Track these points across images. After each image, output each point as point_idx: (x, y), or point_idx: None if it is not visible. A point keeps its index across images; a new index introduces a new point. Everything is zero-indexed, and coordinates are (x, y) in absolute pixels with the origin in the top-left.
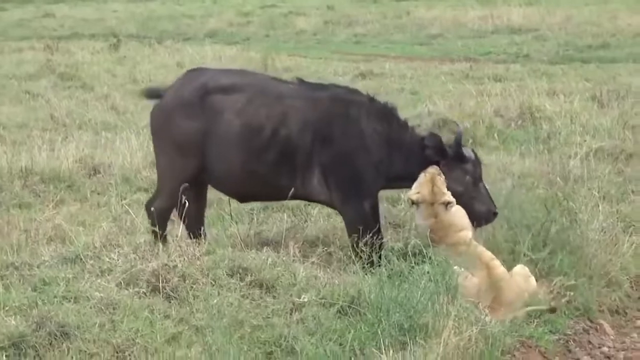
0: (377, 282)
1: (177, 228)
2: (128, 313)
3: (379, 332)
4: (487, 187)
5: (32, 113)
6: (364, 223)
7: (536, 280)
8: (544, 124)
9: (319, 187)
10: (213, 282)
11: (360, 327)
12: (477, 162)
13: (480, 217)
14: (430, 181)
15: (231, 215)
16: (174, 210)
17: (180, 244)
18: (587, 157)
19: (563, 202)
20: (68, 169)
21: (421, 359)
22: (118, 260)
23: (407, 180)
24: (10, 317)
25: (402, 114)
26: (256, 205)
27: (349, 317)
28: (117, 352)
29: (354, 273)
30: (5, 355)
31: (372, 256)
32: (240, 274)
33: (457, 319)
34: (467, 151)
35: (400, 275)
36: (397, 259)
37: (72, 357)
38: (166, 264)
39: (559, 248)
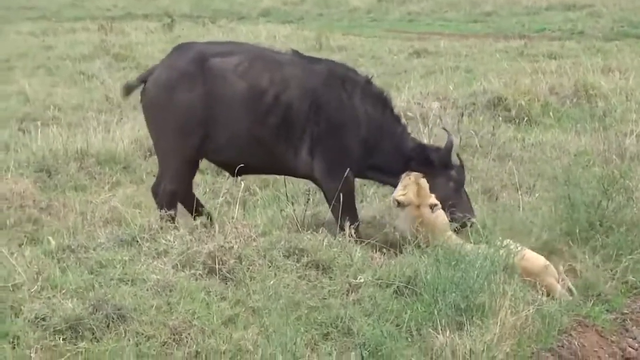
0: (434, 262)
1: (233, 209)
2: (184, 295)
3: (436, 312)
4: (467, 194)
5: (87, 94)
6: (346, 194)
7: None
8: (599, 101)
9: (306, 158)
10: (269, 264)
11: (417, 308)
12: (461, 169)
13: (457, 219)
14: (415, 183)
15: (287, 196)
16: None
17: (237, 226)
18: None
19: (619, 180)
20: (124, 151)
21: (478, 339)
22: (174, 242)
23: (385, 174)
24: (67, 300)
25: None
26: (312, 186)
27: (406, 297)
28: (173, 334)
29: (410, 253)
30: (62, 338)
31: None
32: (296, 255)
33: (513, 298)
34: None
35: (456, 255)
36: None
37: (128, 340)
38: (222, 246)
39: (615, 226)
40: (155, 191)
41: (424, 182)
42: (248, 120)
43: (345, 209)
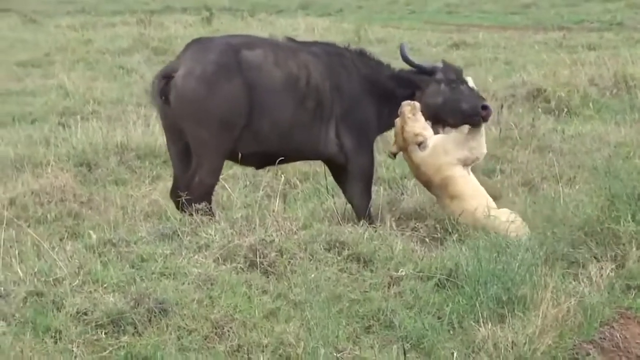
0: (475, 254)
1: (273, 203)
2: (226, 289)
3: (477, 305)
4: (471, 87)
5: (126, 88)
6: (372, 171)
7: None
8: (639, 92)
9: (334, 138)
10: (310, 257)
11: (458, 300)
12: (447, 68)
13: (470, 114)
14: (400, 128)
15: (327, 189)
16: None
17: (277, 219)
18: None
19: None
20: (163, 145)
21: (520, 332)
22: (215, 235)
23: (391, 115)
24: (109, 294)
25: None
26: None
27: (447, 290)
28: (215, 328)
29: (452, 243)
30: (104, 332)
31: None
32: (337, 248)
33: (555, 290)
34: (430, 64)
35: (497, 247)
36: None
37: (170, 334)
38: (263, 239)
39: None
40: (178, 191)
41: (410, 119)
42: (291, 106)
43: (367, 187)
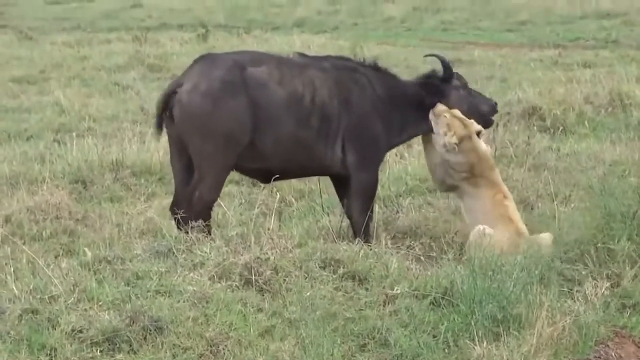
0: (470, 273)
1: (268, 220)
2: (221, 306)
3: (472, 324)
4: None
5: (122, 105)
6: (374, 190)
7: None
8: (634, 110)
9: (339, 154)
10: (306, 275)
11: (454, 319)
12: (456, 75)
13: (489, 115)
14: (454, 117)
15: (322, 207)
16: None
17: (273, 237)
18: None
19: None
20: (159, 162)
21: (515, 350)
22: (210, 253)
23: (412, 127)
24: (104, 312)
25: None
26: None
27: (442, 308)
28: (210, 346)
29: (448, 261)
30: (99, 350)
31: (365, 227)
32: (332, 266)
33: (550, 309)
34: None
35: (492, 266)
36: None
37: (165, 352)
38: (258, 257)
39: None
40: (175, 207)
41: (456, 112)
42: (293, 125)
43: (367, 204)
